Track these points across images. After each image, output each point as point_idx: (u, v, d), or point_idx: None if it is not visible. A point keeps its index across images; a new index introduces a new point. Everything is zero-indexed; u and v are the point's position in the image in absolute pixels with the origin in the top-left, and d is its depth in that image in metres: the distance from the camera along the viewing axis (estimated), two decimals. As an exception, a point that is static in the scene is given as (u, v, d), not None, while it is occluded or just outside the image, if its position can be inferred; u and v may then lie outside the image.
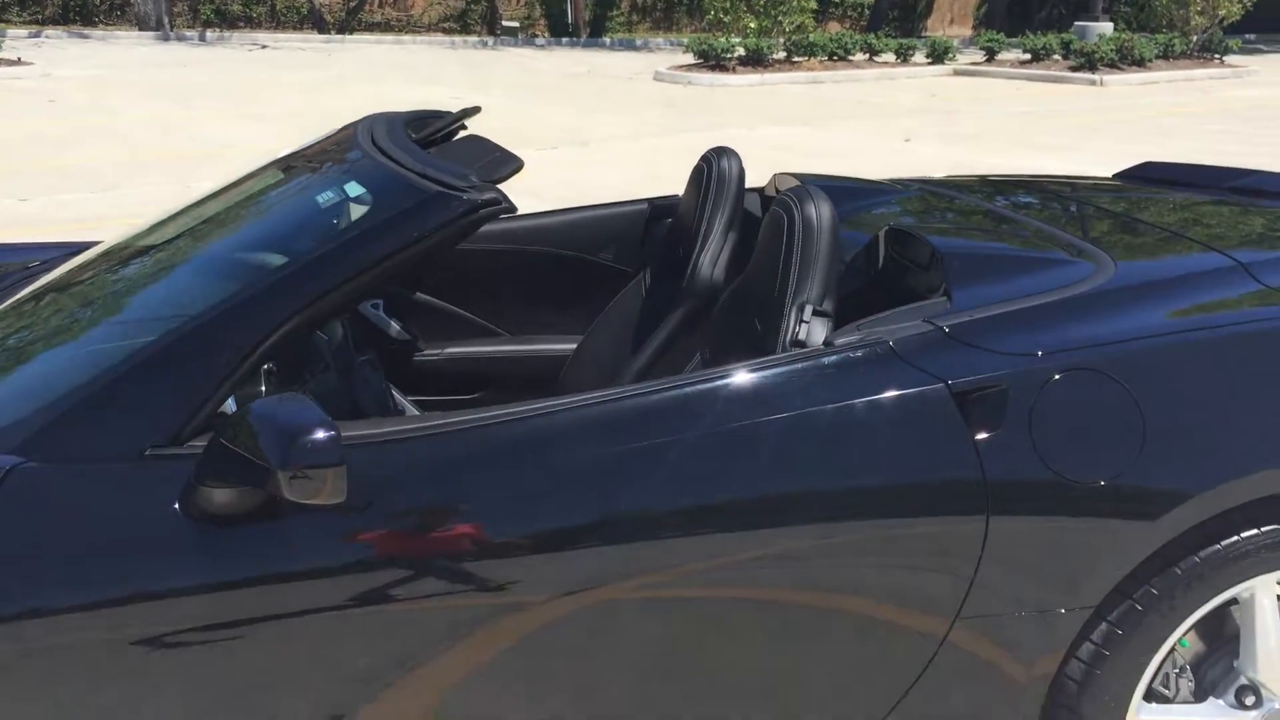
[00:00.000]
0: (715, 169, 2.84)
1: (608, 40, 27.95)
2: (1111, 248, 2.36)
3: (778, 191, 2.99)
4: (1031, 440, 1.87)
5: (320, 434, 1.55)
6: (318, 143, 2.61)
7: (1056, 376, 1.92)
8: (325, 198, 2.12)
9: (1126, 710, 1.98)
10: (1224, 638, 2.06)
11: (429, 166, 2.01)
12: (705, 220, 2.81)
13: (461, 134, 2.63)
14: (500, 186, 1.97)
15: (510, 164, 2.11)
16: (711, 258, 2.76)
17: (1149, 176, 3.26)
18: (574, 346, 3.21)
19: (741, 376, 1.93)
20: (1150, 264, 2.31)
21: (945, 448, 1.86)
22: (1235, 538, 1.93)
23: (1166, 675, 2.03)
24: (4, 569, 1.66)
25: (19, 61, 17.99)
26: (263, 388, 2.00)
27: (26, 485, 1.68)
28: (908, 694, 1.90)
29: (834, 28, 28.55)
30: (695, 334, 2.75)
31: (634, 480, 1.84)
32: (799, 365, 1.95)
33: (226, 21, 29.64)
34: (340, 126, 2.66)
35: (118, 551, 1.69)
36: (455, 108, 2.91)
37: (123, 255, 2.36)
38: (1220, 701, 2.05)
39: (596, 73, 19.75)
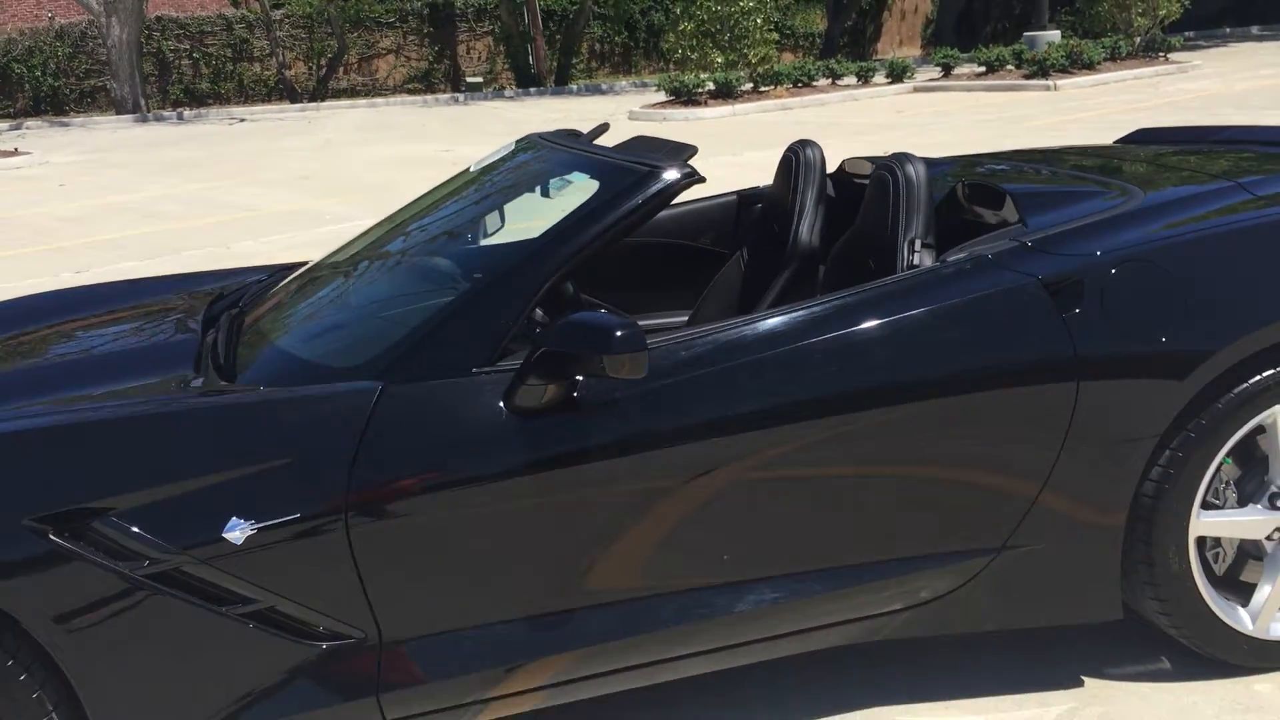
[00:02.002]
0: (802, 157, 3.52)
1: (574, 87, 28.80)
2: (1136, 182, 3.05)
3: (845, 171, 3.68)
4: (1104, 313, 2.54)
5: (630, 329, 2.20)
6: (495, 158, 3.26)
7: (1113, 269, 2.60)
8: (557, 184, 2.79)
9: (1189, 516, 2.64)
10: (1257, 459, 2.72)
11: (633, 156, 2.68)
12: (799, 198, 3.48)
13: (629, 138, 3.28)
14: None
15: (686, 151, 2.77)
16: (808, 227, 3.43)
17: (1146, 139, 3.98)
18: (685, 319, 3.86)
19: (878, 290, 2.60)
20: (1168, 190, 3.00)
21: (1042, 325, 2.53)
22: (1258, 376, 2.60)
23: (1216, 489, 2.70)
24: (386, 459, 2.29)
25: (15, 152, 18.55)
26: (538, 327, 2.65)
27: (393, 399, 2.33)
28: (1033, 504, 2.55)
29: (789, 58, 29.48)
30: (799, 291, 3.40)
31: (811, 369, 2.49)
32: (922, 277, 2.63)
33: (195, 99, 30.35)
34: (511, 144, 3.32)
35: (460, 441, 2.34)
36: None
37: (399, 234, 3.05)
38: (1258, 505, 2.71)
39: (573, 117, 20.50)
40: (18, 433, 2.31)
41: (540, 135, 3.23)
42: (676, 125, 17.77)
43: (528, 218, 2.76)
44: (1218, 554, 2.76)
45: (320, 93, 30.28)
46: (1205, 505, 2.67)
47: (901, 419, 2.52)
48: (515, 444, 2.35)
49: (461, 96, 27.73)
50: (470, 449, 2.34)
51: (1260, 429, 2.67)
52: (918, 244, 2.80)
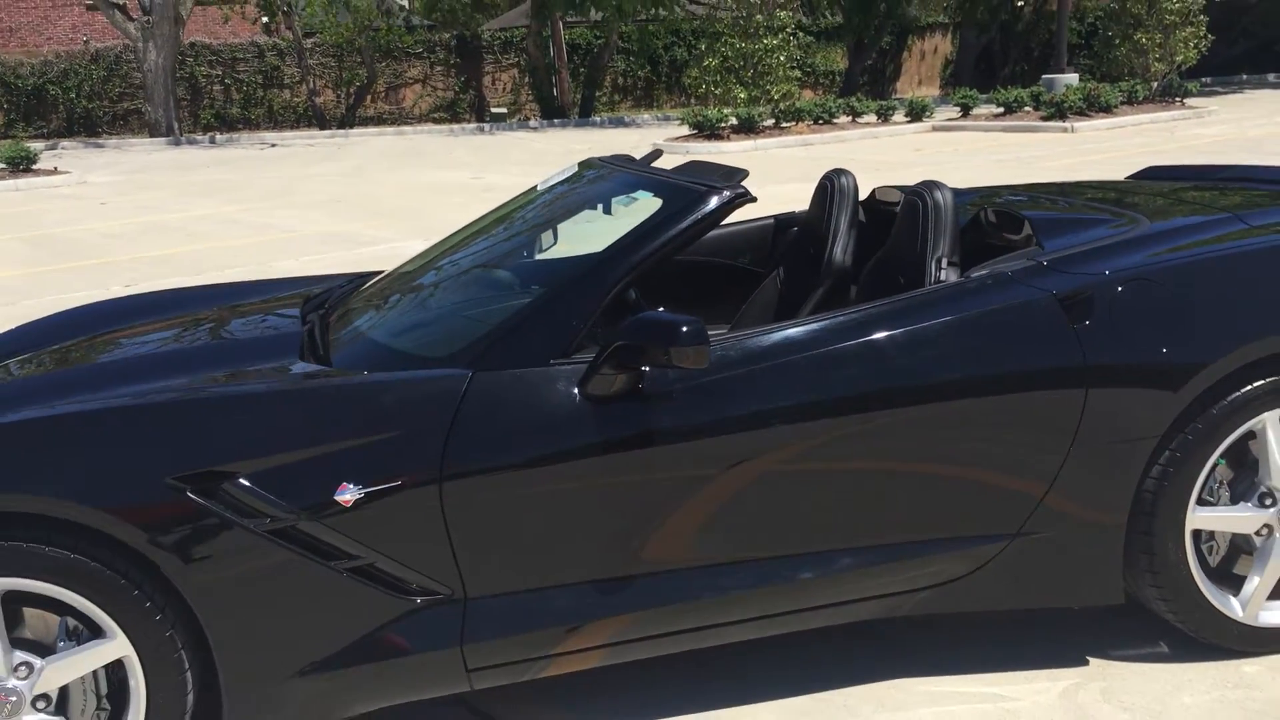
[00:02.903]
0: (837, 184, 3.85)
1: (598, 119, 29.29)
2: (1142, 212, 3.37)
3: (876, 198, 4.01)
4: (1111, 326, 2.86)
5: (695, 325, 2.52)
6: (561, 177, 3.60)
7: (1120, 287, 2.91)
8: (623, 201, 3.12)
9: (1186, 511, 2.93)
10: (1248, 462, 3.02)
11: (691, 177, 3.01)
12: (833, 221, 3.81)
13: (684, 161, 3.62)
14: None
15: (738, 174, 3.09)
16: (842, 248, 3.76)
17: (1155, 176, 4.30)
18: (724, 332, 4.17)
19: (908, 300, 2.92)
20: (1172, 220, 3.31)
21: (1055, 336, 2.84)
22: (1249, 386, 2.90)
23: (1211, 487, 2.99)
24: (475, 437, 2.61)
25: (56, 171, 19.04)
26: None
27: (482, 384, 2.65)
28: (1045, 495, 2.86)
29: (809, 95, 29.92)
30: (832, 307, 3.72)
31: (846, 370, 2.80)
32: (948, 290, 2.95)
33: (226, 124, 30.96)
34: (574, 165, 3.65)
35: (538, 423, 2.65)
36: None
37: (474, 243, 3.42)
38: (1249, 504, 3.00)
39: (598, 149, 20.91)
40: (161, 404, 2.64)
41: (600, 158, 3.56)
42: (699, 159, 18.14)
43: (592, 232, 3.09)
44: (1212, 547, 3.06)
45: (349, 120, 30.84)
46: (1200, 502, 2.96)
47: (927, 417, 2.83)
48: (586, 427, 2.66)
49: (487, 126, 28.23)
50: (547, 430, 2.66)
51: (1251, 434, 2.97)
52: (944, 262, 3.12)
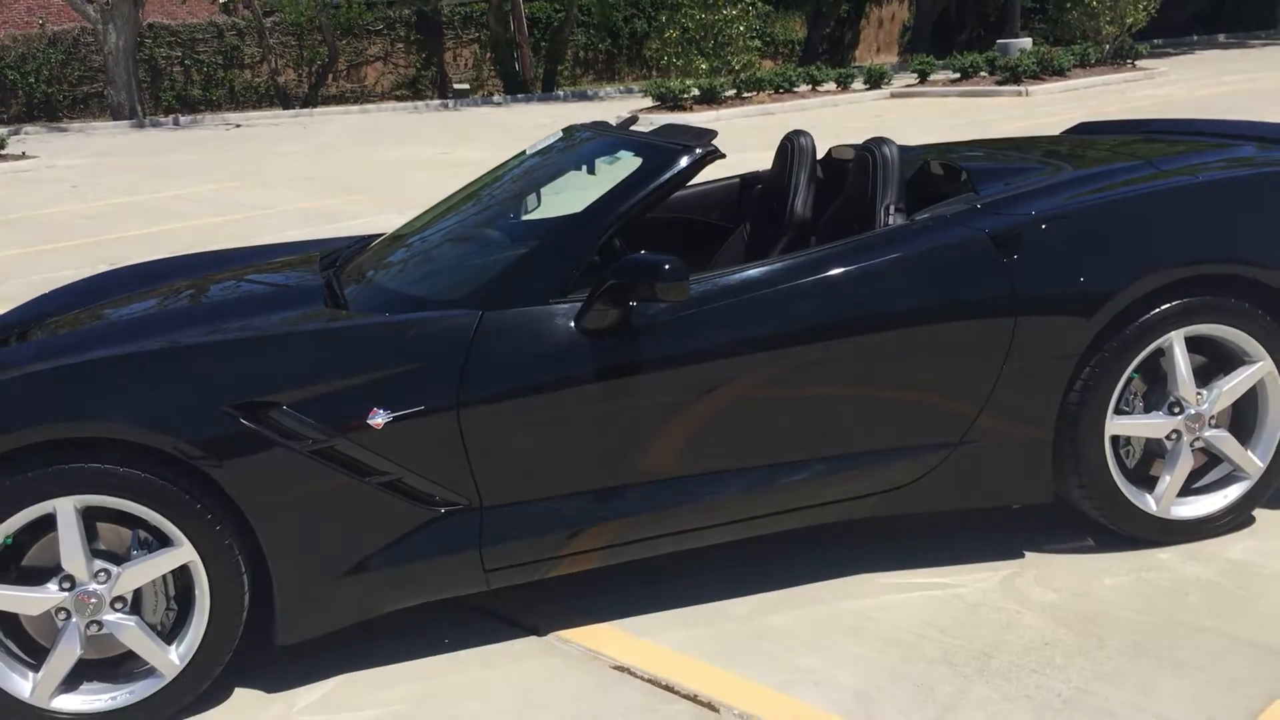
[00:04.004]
0: (796, 144, 4.25)
1: (561, 93, 29.54)
2: (1068, 161, 3.79)
3: (831, 156, 4.41)
4: (1036, 259, 3.28)
5: (675, 263, 2.93)
6: (547, 143, 3.98)
7: (1043, 225, 3.34)
8: (607, 160, 3.51)
9: (1105, 419, 3.37)
10: (1159, 375, 3.46)
11: (666, 138, 3.41)
12: (793, 178, 4.21)
13: (660, 124, 4.00)
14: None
15: (708, 134, 3.48)
16: (802, 202, 4.17)
17: (1086, 131, 4.73)
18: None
19: (861, 241, 3.33)
20: (1092, 169, 3.73)
21: (989, 268, 3.26)
22: (1156, 309, 3.33)
23: (1127, 398, 3.43)
24: (486, 367, 3.00)
25: (24, 155, 19.16)
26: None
27: (490, 322, 3.04)
28: (986, 404, 3.28)
29: (768, 65, 30.26)
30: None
31: (806, 303, 3.21)
32: (894, 231, 3.36)
33: (187, 105, 30.94)
34: (558, 132, 4.04)
35: (540, 354, 3.05)
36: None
37: (472, 201, 3.81)
38: (1160, 412, 3.44)
39: (564, 122, 21.17)
40: (216, 344, 3.02)
41: (582, 125, 3.95)
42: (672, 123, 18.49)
43: (579, 188, 3.48)
44: (1129, 451, 3.50)
45: (312, 99, 30.93)
46: (1118, 411, 3.40)
47: (878, 342, 3.24)
48: (582, 357, 3.06)
49: (451, 103, 28.41)
50: (548, 360, 3.06)
51: (1160, 351, 3.40)
52: (892, 209, 3.54)
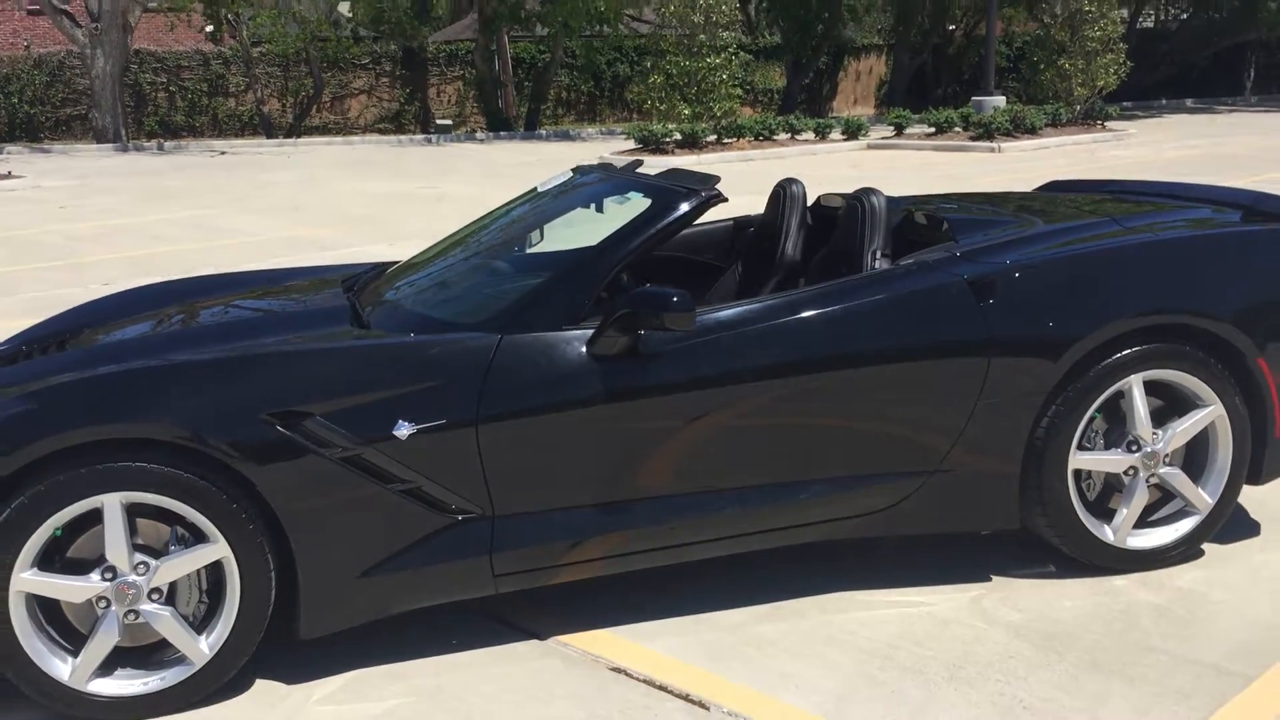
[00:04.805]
0: (789, 191, 4.55)
1: (543, 132, 29.93)
2: (1040, 216, 4.10)
3: (820, 204, 4.70)
4: (1010, 305, 3.57)
5: (684, 296, 3.20)
6: (558, 181, 4.26)
7: (1017, 274, 3.63)
8: (618, 200, 3.79)
9: (1068, 454, 3.65)
10: (1119, 415, 3.75)
11: (673, 181, 3.69)
12: (785, 222, 4.51)
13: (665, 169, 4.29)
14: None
15: (711, 179, 3.77)
16: (793, 244, 4.46)
17: (1056, 189, 5.06)
18: None
19: (849, 282, 3.62)
20: (1062, 224, 4.04)
21: (966, 312, 3.55)
22: (1117, 354, 3.62)
23: (1089, 435, 3.72)
24: (504, 386, 3.26)
25: (10, 175, 19.30)
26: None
27: (509, 344, 3.30)
28: (962, 433, 3.55)
29: (748, 112, 30.77)
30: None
31: (798, 338, 3.49)
32: (881, 275, 3.65)
33: (170, 131, 31.14)
34: (568, 172, 4.32)
35: (554, 376, 3.31)
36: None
37: (486, 233, 4.09)
38: (1119, 449, 3.73)
39: (547, 162, 21.56)
40: (256, 356, 3.26)
41: (589, 165, 4.23)
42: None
43: (587, 225, 3.77)
44: (1089, 484, 3.78)
45: (296, 129, 31.18)
46: (1080, 447, 3.69)
47: (863, 376, 3.52)
48: (592, 380, 3.32)
49: (434, 138, 28.73)
50: (560, 382, 3.32)
51: (1120, 393, 3.70)
52: (878, 253, 3.83)
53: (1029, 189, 5.36)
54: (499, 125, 30.43)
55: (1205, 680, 3.16)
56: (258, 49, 31.06)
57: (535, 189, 4.34)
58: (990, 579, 3.78)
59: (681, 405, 3.40)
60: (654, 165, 15.71)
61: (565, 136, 28.94)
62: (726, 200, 3.64)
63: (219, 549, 3.11)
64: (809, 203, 4.64)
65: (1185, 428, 3.74)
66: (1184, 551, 3.82)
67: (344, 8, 34.35)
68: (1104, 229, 3.94)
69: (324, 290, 4.14)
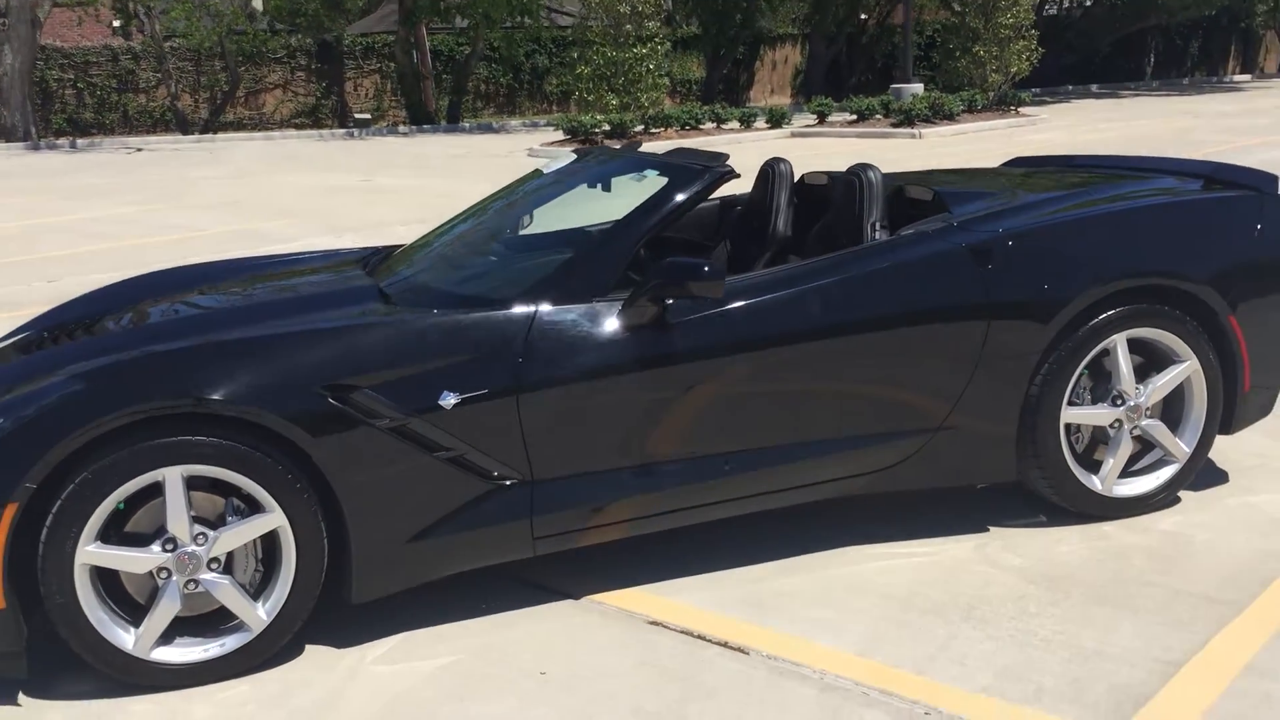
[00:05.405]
0: (777, 170, 4.75)
1: (466, 125, 29.87)
2: (1018, 187, 4.36)
3: (805, 182, 4.91)
4: (1006, 270, 3.81)
5: (714, 264, 3.38)
6: (563, 164, 4.41)
7: (1011, 241, 3.88)
8: (635, 178, 3.95)
9: (1060, 409, 3.90)
10: (1105, 372, 4.01)
11: (686, 158, 3.87)
12: (774, 200, 4.70)
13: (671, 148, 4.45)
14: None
15: (721, 156, 3.95)
16: (784, 221, 4.66)
17: (1019, 164, 5.33)
18: None
19: (858, 251, 3.83)
20: (1043, 194, 4.29)
21: (967, 277, 3.78)
22: (1102, 315, 3.88)
23: (1078, 391, 3.97)
24: (541, 356, 3.41)
25: (-77, 175, 18.81)
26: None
27: (544, 317, 3.46)
28: (963, 393, 3.79)
29: (668, 102, 31.03)
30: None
31: (812, 304, 3.69)
32: (886, 244, 3.87)
33: (79, 129, 30.51)
34: (572, 153, 4.47)
35: (586, 345, 3.47)
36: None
37: (498, 213, 4.24)
38: (1105, 404, 3.99)
39: (475, 153, 21.61)
40: (307, 332, 3.36)
41: (593, 148, 4.39)
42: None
43: (598, 204, 3.94)
44: (1078, 438, 4.04)
45: (212, 124, 30.74)
46: (1070, 403, 3.94)
47: (875, 340, 3.73)
48: (624, 348, 3.49)
49: (357, 132, 28.53)
50: (593, 351, 3.48)
51: (1105, 352, 3.96)
52: (877, 225, 4.05)
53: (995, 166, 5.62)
54: (421, 118, 30.31)
55: (1201, 609, 3.43)
56: (169, 43, 30.53)
57: (539, 171, 4.49)
58: (988, 529, 4.02)
59: (704, 371, 3.58)
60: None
61: (489, 129, 28.93)
62: (739, 176, 3.83)
63: (275, 518, 3.21)
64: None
65: (1164, 382, 4.02)
66: (1165, 498, 4.10)
67: (257, 1, 33.89)
68: (1085, 198, 4.21)
69: (344, 270, 4.24)
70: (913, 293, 3.77)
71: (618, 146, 4.61)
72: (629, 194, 3.85)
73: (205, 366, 3.19)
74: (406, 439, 3.30)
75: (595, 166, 4.31)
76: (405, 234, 11.08)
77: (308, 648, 3.41)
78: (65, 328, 3.96)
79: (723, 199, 5.17)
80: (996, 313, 3.80)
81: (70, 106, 31.43)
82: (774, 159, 4.81)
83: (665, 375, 3.54)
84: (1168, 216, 4.15)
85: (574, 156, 4.45)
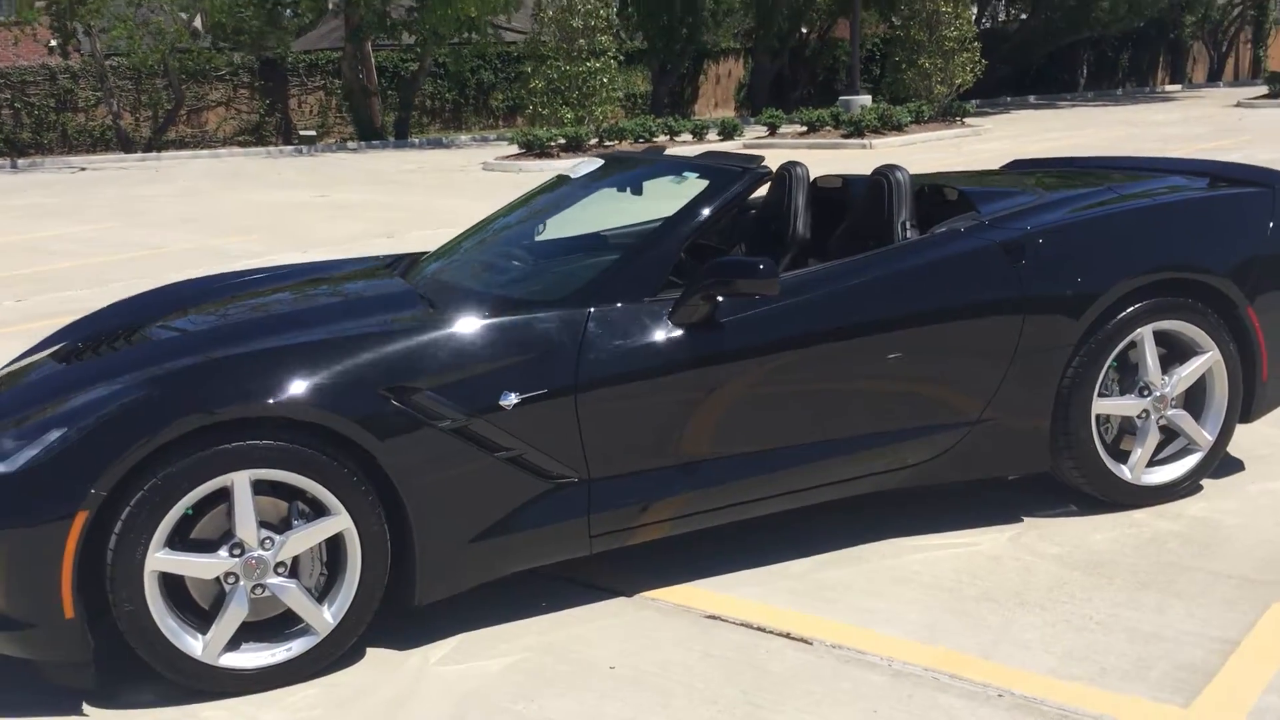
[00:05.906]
0: (794, 173, 4.82)
1: (415, 140, 29.75)
2: (1039, 187, 4.46)
3: (818, 185, 4.98)
4: (1038, 266, 3.90)
5: (768, 262, 3.43)
6: (591, 168, 4.44)
7: (1041, 238, 3.97)
8: (676, 179, 4.00)
9: (1091, 400, 4.00)
10: (1132, 364, 4.11)
11: (724, 160, 3.92)
12: (792, 202, 4.77)
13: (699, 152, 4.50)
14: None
15: (757, 157, 4.00)
16: (803, 223, 4.73)
17: (1020, 167, 5.46)
18: None
19: (894, 250, 3.90)
20: (1063, 193, 4.40)
21: (1002, 274, 3.87)
22: (1130, 308, 3.99)
23: (1107, 383, 4.07)
24: (597, 356, 3.44)
25: None
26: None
27: (599, 317, 3.49)
28: (1003, 381, 3.87)
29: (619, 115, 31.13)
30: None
31: (853, 302, 3.75)
32: (920, 242, 3.95)
33: (16, 149, 29.94)
34: (600, 159, 4.50)
35: (640, 345, 3.50)
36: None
37: (529, 219, 4.25)
38: (1132, 395, 4.10)
39: (429, 168, 21.53)
40: (367, 336, 3.35)
41: (620, 153, 4.43)
42: (532, 175, 18.97)
43: (628, 206, 3.99)
44: (1107, 429, 4.14)
45: (155, 143, 30.33)
46: (1100, 394, 4.04)
47: (915, 336, 3.80)
48: (677, 346, 3.53)
49: (304, 148, 28.30)
50: (646, 349, 3.51)
51: (1132, 344, 4.06)
52: (908, 224, 4.13)
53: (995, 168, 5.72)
54: (369, 134, 30.12)
55: (1244, 589, 3.53)
56: (110, 61, 30.09)
57: (564, 176, 4.52)
58: (1022, 520, 4.11)
59: (753, 369, 3.62)
60: (539, 169, 16.08)
61: (439, 144, 28.84)
62: (773, 176, 3.88)
63: (341, 521, 3.21)
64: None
65: (1188, 373, 4.13)
66: (1190, 485, 4.22)
67: (197, 21, 33.50)
68: (1106, 196, 4.32)
69: (380, 277, 4.24)
70: (952, 289, 3.85)
71: (641, 151, 4.64)
72: (666, 197, 3.90)
73: (270, 371, 3.18)
74: (469, 440, 3.31)
75: (623, 171, 4.35)
76: (384, 246, 11.04)
77: (369, 651, 3.40)
78: (102, 337, 3.92)
79: (738, 203, 5.22)
80: (1031, 307, 3.89)
81: (7, 126, 30.82)
82: (790, 162, 4.88)
83: (715, 373, 3.58)
84: (1190, 212, 4.27)
85: (601, 162, 4.48)
